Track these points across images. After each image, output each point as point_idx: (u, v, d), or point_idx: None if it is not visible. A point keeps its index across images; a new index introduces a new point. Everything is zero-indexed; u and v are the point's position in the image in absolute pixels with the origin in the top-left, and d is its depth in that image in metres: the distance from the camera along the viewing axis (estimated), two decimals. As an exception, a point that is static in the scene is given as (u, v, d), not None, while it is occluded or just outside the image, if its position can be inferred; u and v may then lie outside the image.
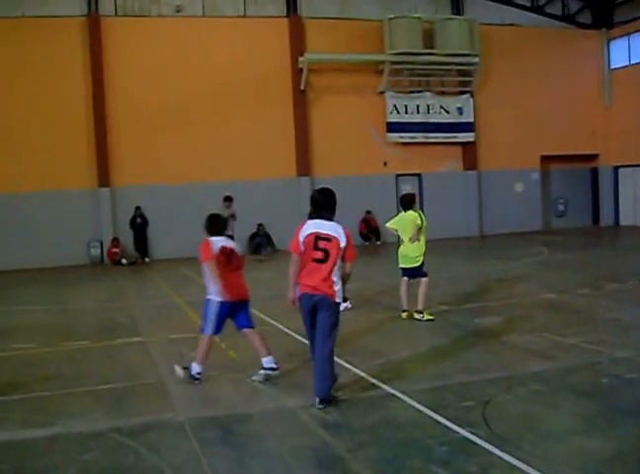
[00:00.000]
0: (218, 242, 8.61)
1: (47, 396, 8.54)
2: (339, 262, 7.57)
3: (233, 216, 21.41)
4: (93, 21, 26.09)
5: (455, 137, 30.48)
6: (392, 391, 7.89)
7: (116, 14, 26.68)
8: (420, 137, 29.94)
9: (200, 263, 8.58)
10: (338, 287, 7.59)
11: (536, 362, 8.97)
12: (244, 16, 28.09)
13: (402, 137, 29.77)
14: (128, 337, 11.94)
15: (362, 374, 8.68)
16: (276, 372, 8.68)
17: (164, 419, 7.40)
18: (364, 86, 29.13)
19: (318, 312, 7.56)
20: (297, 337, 11.04)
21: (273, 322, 12.51)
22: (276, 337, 11.43)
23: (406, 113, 29.71)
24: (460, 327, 11.54)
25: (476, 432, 6.44)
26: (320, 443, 6.53)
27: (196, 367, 8.65)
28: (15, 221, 25.17)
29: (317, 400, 7.41)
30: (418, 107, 29.89)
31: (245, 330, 8.82)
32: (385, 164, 29.79)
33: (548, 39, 31.56)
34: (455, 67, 30.09)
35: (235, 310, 8.66)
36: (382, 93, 29.47)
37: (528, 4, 31.63)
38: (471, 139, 30.63)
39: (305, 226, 7.65)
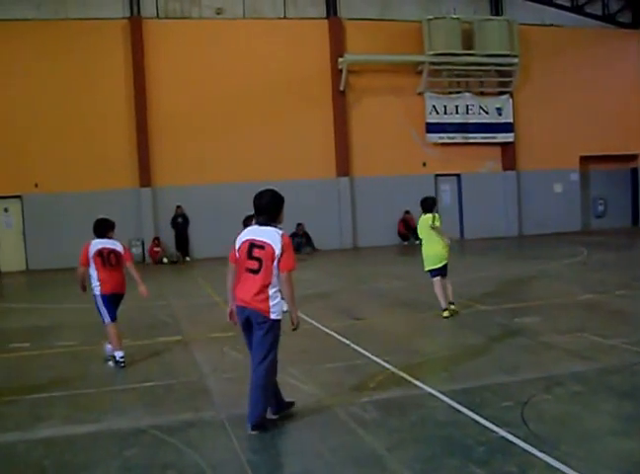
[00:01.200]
0: (97, 244, 9.97)
1: (89, 393, 8.67)
2: (275, 272, 6.80)
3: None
4: (135, 23, 26.42)
5: (494, 138, 30.37)
6: (431, 390, 7.89)
7: (157, 16, 26.98)
8: (459, 138, 29.89)
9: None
10: (274, 302, 6.82)
11: (576, 363, 8.90)
12: (284, 17, 28.24)
13: (441, 138, 29.74)
14: (170, 335, 12.08)
15: (401, 373, 8.69)
16: (121, 361, 9.85)
17: (204, 416, 7.46)
18: (404, 87, 29.13)
19: (252, 330, 6.94)
20: (338, 337, 11.13)
21: (313, 322, 12.51)
22: (316, 336, 11.50)
23: (445, 113, 29.67)
24: (500, 326, 11.48)
25: (515, 432, 6.41)
26: (359, 442, 6.53)
27: (118, 353, 9.90)
28: (59, 221, 25.56)
29: (248, 426, 6.90)
30: (457, 107, 29.83)
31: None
32: (424, 164, 29.74)
33: (588, 39, 31.33)
34: (495, 68, 30.02)
35: (117, 302, 10.07)
36: (421, 94, 29.46)
37: (568, 4, 31.37)
38: (510, 140, 30.50)
39: (242, 233, 7.08)
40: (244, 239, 6.96)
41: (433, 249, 12.56)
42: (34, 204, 25.72)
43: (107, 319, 9.93)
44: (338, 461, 6.11)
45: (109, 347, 10.09)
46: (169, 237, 26.59)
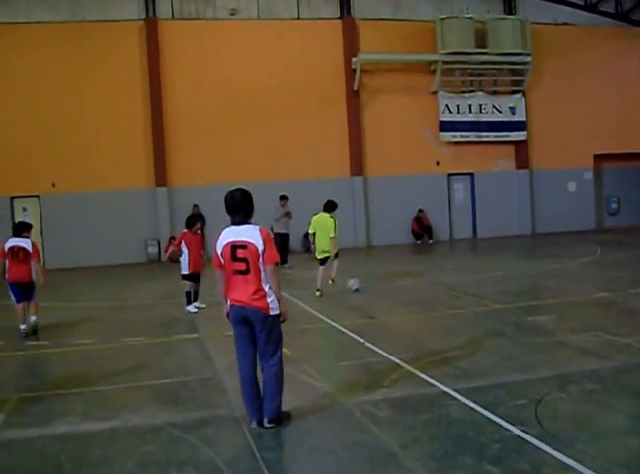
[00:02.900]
0: (10, 242, 12.21)
1: (106, 390, 8.74)
2: (263, 268, 6.84)
3: (289, 215, 21.59)
4: (150, 24, 26.54)
5: (508, 136, 30.30)
6: (445, 388, 7.90)
7: (172, 17, 27.07)
8: (472, 137, 29.84)
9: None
10: (271, 298, 6.85)
11: (590, 361, 8.90)
12: (298, 18, 28.28)
13: (454, 137, 29.70)
14: (185, 333, 12.15)
15: (415, 371, 8.70)
16: (23, 332, 12.20)
17: (220, 414, 7.50)
18: (417, 86, 29.12)
19: (255, 330, 6.93)
20: (352, 335, 11.15)
21: (327, 320, 12.57)
22: (330, 334, 11.56)
23: (458, 112, 29.64)
24: (514, 325, 11.47)
25: (528, 430, 6.42)
26: (373, 439, 6.54)
27: (21, 326, 12.22)
28: (76, 220, 25.72)
29: (265, 419, 6.94)
30: (470, 106, 29.80)
31: (25, 302, 12.29)
32: (438, 163, 29.73)
33: (601, 38, 31.26)
34: (507, 67, 29.97)
35: (22, 289, 12.23)
36: (435, 93, 29.43)
37: (581, 2, 31.20)
38: (523, 138, 30.43)
39: (221, 236, 7.05)
40: (225, 242, 6.97)
41: (321, 244, 15.66)
42: (51, 204, 25.88)
43: (13, 300, 12.28)
44: (352, 458, 6.13)
45: (21, 326, 12.22)
46: (184, 236, 26.64)
